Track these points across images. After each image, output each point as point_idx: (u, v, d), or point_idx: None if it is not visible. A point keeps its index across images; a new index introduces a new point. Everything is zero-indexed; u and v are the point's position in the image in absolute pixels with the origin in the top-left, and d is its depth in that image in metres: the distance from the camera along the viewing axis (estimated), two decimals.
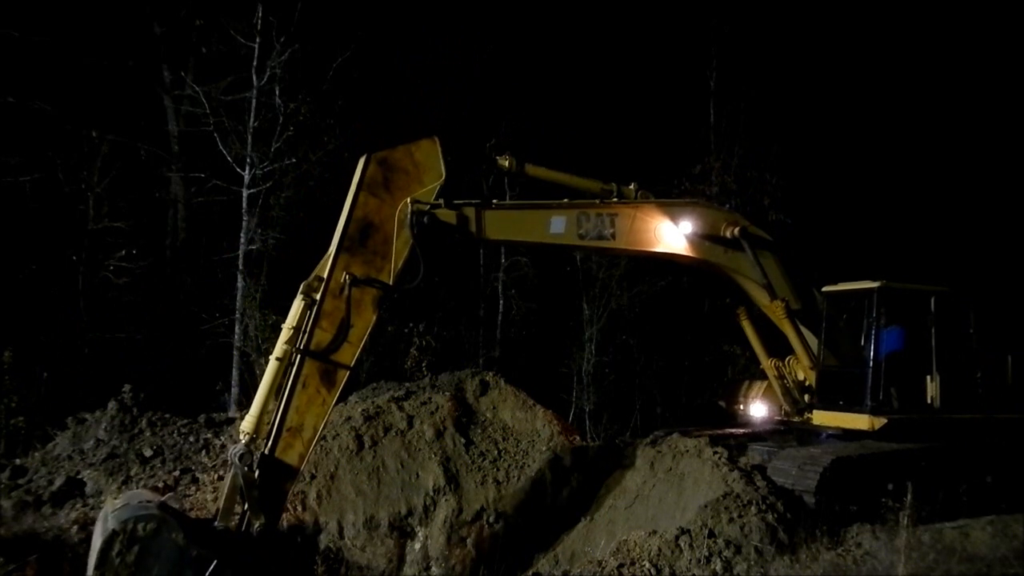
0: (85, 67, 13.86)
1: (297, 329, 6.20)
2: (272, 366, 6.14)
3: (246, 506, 5.91)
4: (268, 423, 6.23)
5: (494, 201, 7.38)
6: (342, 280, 6.30)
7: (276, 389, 6.18)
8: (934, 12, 22.37)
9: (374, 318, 6.45)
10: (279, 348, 6.17)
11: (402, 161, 6.61)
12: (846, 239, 19.19)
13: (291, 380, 6.13)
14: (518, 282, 18.07)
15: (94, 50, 13.89)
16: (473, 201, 7.13)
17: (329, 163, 14.17)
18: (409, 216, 6.54)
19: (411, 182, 6.62)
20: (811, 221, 18.13)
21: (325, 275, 6.31)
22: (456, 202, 6.95)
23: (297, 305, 6.26)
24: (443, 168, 6.71)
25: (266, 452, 6.04)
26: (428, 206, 6.63)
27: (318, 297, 6.26)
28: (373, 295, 6.43)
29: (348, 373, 6.35)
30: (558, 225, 7.65)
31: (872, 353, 8.89)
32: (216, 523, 5.78)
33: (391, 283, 6.50)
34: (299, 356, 6.15)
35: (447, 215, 6.85)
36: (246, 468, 5.79)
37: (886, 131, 22.22)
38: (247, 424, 6.04)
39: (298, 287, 6.45)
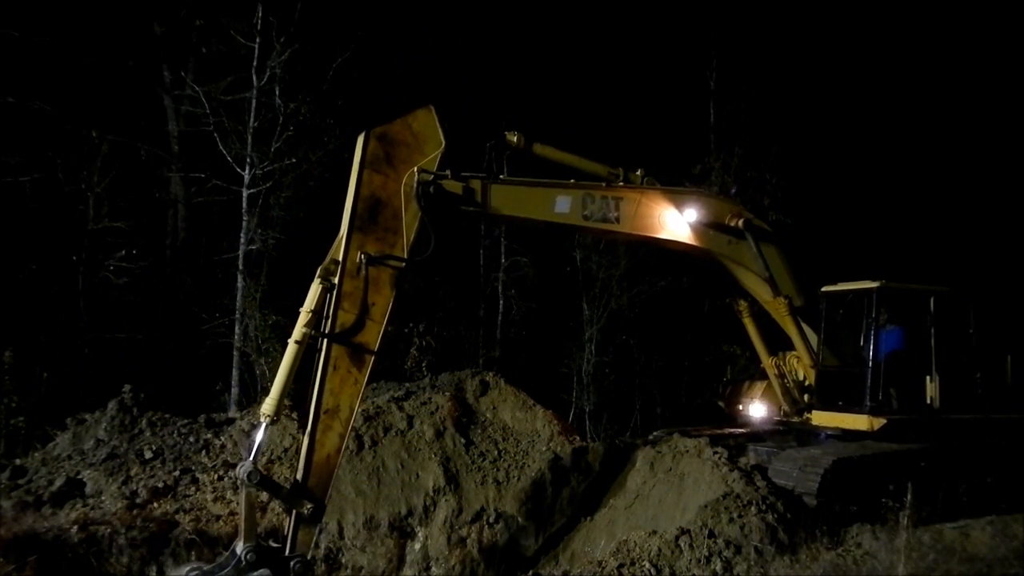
0: (85, 67, 13.86)
1: (316, 313, 6.22)
2: (291, 349, 6.15)
3: (291, 524, 6.03)
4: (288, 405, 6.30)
5: (501, 176, 7.39)
6: (358, 260, 6.32)
7: (296, 371, 6.22)
8: (934, 12, 22.39)
9: (393, 294, 6.50)
10: (298, 331, 6.17)
11: (401, 134, 6.60)
12: (846, 239, 19.19)
13: (321, 364, 6.20)
14: (518, 282, 18.08)
15: (94, 50, 13.89)
16: (480, 174, 7.18)
17: (329, 163, 14.18)
18: (415, 187, 6.57)
19: (412, 153, 6.62)
20: (811, 221, 18.13)
21: (340, 257, 6.34)
22: (463, 174, 6.99)
23: (315, 289, 6.26)
24: (442, 136, 6.72)
25: (304, 451, 6.13)
26: (433, 176, 6.66)
27: (336, 280, 6.29)
28: (390, 271, 6.48)
29: (376, 349, 6.44)
30: (563, 205, 7.67)
31: (871, 353, 8.88)
32: (242, 546, 5.78)
33: (405, 256, 6.54)
34: (325, 340, 6.21)
35: (453, 186, 6.90)
36: (256, 483, 5.82)
37: (886, 131, 22.23)
38: (267, 407, 6.07)
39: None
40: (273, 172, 14.04)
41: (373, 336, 6.40)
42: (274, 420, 6.12)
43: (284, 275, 14.23)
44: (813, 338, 9.65)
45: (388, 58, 16.92)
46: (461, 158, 7.14)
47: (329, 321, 6.23)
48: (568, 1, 20.57)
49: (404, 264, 6.52)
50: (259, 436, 6.06)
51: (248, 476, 5.75)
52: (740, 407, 10.91)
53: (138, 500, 7.91)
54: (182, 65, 15.07)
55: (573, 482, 9.49)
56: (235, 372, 13.36)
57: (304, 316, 6.18)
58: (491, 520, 8.95)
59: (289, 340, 6.19)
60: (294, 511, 6.05)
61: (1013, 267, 18.31)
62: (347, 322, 6.28)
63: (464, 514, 8.94)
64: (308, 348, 6.20)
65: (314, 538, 6.16)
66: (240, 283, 13.61)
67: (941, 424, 8.98)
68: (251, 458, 5.88)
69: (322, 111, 14.25)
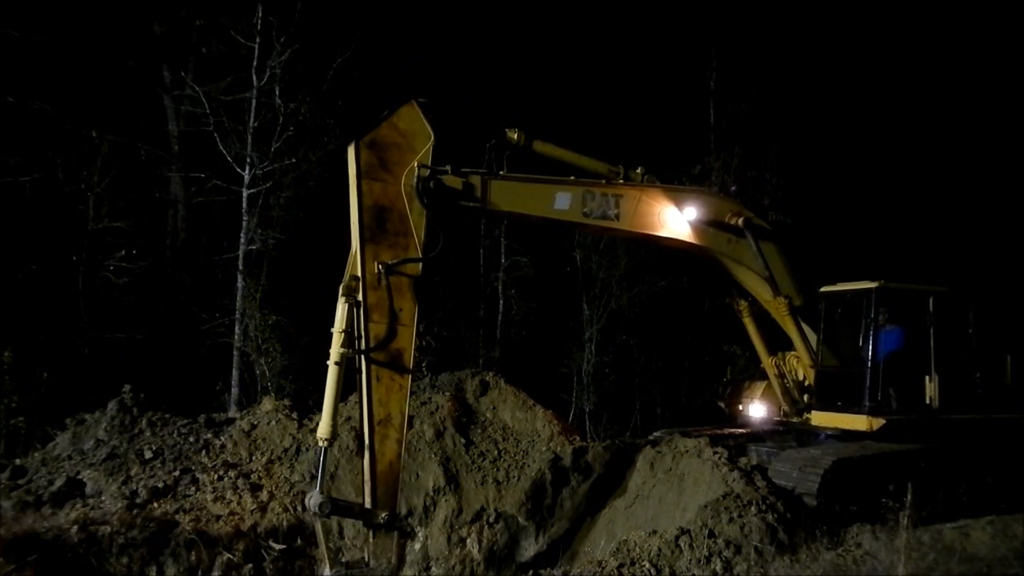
0: (85, 67, 13.85)
1: (348, 332, 6.33)
2: (332, 371, 6.28)
3: (370, 537, 6.33)
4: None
5: (500, 172, 7.41)
6: (376, 271, 6.40)
7: (341, 391, 6.39)
8: (934, 12, 22.39)
9: (416, 295, 6.61)
10: (335, 353, 6.28)
11: (389, 136, 6.63)
12: (846, 239, 19.18)
13: (364, 379, 6.36)
14: (518, 282, 18.08)
15: (94, 50, 13.88)
16: (480, 170, 7.21)
17: (329, 163, 14.18)
18: (415, 183, 6.60)
19: (405, 153, 6.66)
20: (811, 221, 18.13)
21: (359, 272, 6.40)
22: (463, 169, 7.02)
23: (342, 308, 6.35)
24: (429, 128, 6.75)
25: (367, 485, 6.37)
26: (430, 170, 6.69)
27: (360, 297, 6.37)
28: (410, 275, 6.57)
29: (413, 352, 6.58)
30: (563, 201, 7.69)
31: (870, 354, 8.89)
32: (329, 573, 6.11)
33: (420, 256, 6.62)
34: (364, 358, 6.36)
35: (453, 181, 6.92)
36: (328, 513, 6.13)
37: (886, 131, 22.23)
38: (323, 430, 6.25)
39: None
40: (273, 172, 14.04)
41: (407, 340, 6.54)
42: (331, 442, 6.31)
43: (284, 275, 14.25)
44: (813, 338, 9.65)
45: (388, 58, 16.92)
46: (462, 157, 7.14)
47: (363, 337, 6.35)
48: (568, 1, 20.57)
49: (421, 264, 6.61)
50: (320, 463, 6.29)
51: (320, 508, 6.04)
52: (740, 407, 10.91)
53: (138, 500, 7.90)
54: (182, 65, 15.06)
55: (573, 482, 9.48)
56: (235, 372, 13.36)
57: (337, 337, 6.30)
58: (491, 520, 8.95)
59: (328, 363, 6.31)
60: (371, 524, 6.31)
61: (1013, 267, 18.31)
62: (380, 333, 6.41)
63: (464, 514, 8.94)
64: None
65: (395, 543, 6.44)
66: (240, 283, 13.61)
67: (940, 424, 8.98)
68: (318, 489, 6.16)
69: (322, 111, 14.25)
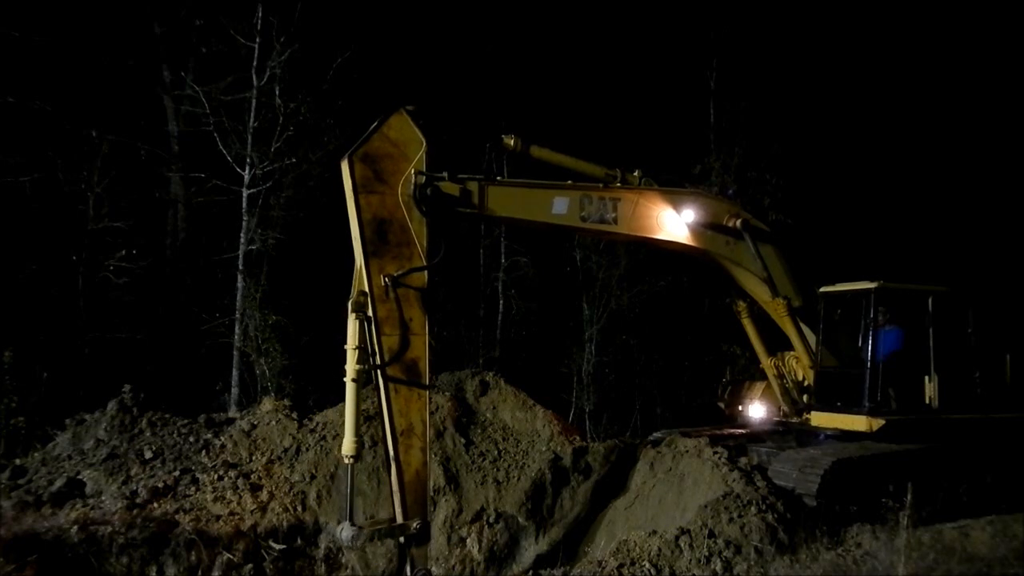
0: (85, 67, 13.86)
1: (362, 349, 6.33)
2: (350, 388, 6.30)
3: (407, 549, 6.34)
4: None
5: (498, 177, 7.41)
6: (383, 284, 6.41)
7: (361, 406, 6.43)
8: (934, 12, 22.40)
9: (426, 304, 6.66)
10: (351, 370, 6.29)
11: (382, 147, 6.59)
12: (846, 239, 19.19)
13: (383, 392, 6.38)
14: (518, 282, 18.10)
15: (94, 50, 13.89)
16: (477, 176, 7.20)
17: (329, 163, 14.18)
18: (412, 191, 6.58)
19: (399, 162, 6.62)
20: (811, 221, 18.14)
21: (366, 287, 6.40)
22: (460, 176, 7.00)
23: (353, 325, 6.34)
24: (421, 134, 6.71)
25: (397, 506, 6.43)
26: (426, 177, 6.67)
27: (370, 312, 6.37)
28: (416, 284, 6.59)
29: (427, 359, 6.64)
30: (560, 206, 7.67)
31: (870, 354, 8.89)
32: None
33: (425, 264, 6.64)
34: (381, 371, 6.38)
35: (450, 188, 6.90)
36: (361, 545, 6.32)
37: (886, 131, 22.24)
38: (348, 448, 6.26)
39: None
40: (273, 172, 14.06)
41: (420, 348, 6.60)
42: (356, 459, 6.33)
43: (284, 275, 14.25)
44: (812, 338, 9.65)
45: (387, 58, 16.93)
46: (461, 159, 7.14)
47: (377, 352, 6.36)
48: (568, 1, 20.59)
49: (427, 271, 6.63)
50: (347, 484, 6.32)
51: (352, 542, 6.08)
52: (740, 407, 10.92)
53: (138, 500, 7.89)
54: (182, 65, 15.07)
55: (573, 482, 9.49)
56: (235, 372, 13.37)
57: (351, 353, 6.31)
58: (491, 520, 8.96)
59: (345, 379, 6.31)
60: (405, 538, 6.34)
61: (1013, 267, 18.31)
62: (393, 345, 6.43)
63: (464, 514, 8.94)
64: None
65: (428, 551, 6.51)
66: (240, 283, 13.62)
67: (940, 424, 8.99)
68: (348, 519, 6.17)
69: (322, 111, 14.27)
